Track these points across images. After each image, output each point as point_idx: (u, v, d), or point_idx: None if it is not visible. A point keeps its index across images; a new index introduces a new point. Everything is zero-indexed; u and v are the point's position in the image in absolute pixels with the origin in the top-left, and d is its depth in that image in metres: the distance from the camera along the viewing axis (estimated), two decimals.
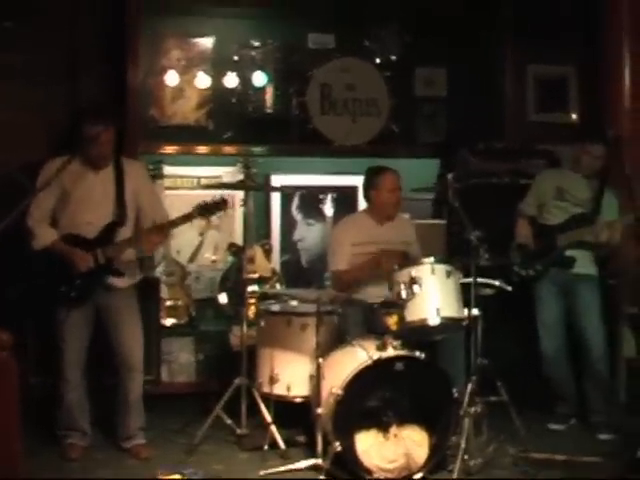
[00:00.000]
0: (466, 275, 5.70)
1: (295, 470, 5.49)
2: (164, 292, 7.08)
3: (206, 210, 5.80)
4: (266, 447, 5.78)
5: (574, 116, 8.26)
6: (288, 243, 7.79)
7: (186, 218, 5.83)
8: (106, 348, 5.83)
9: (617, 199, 6.32)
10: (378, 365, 5.40)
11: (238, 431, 6.00)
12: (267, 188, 7.45)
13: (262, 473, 5.46)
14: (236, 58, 7.60)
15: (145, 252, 6.03)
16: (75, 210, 5.73)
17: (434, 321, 5.56)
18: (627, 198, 6.12)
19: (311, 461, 5.50)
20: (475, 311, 5.62)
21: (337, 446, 5.31)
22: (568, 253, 6.34)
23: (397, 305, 5.60)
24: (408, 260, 6.09)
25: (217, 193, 6.00)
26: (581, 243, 6.30)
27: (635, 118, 6.87)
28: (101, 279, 5.71)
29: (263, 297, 6.51)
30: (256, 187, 6.72)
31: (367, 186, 6.50)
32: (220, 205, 5.85)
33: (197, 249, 7.64)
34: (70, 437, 5.81)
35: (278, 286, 7.05)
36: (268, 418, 5.84)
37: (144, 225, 5.85)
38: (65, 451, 5.76)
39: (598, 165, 6.36)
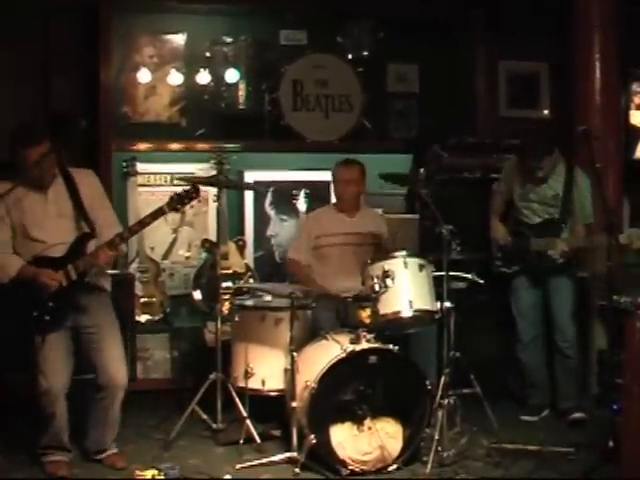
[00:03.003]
0: (439, 268, 5.74)
1: (271, 463, 5.51)
2: (138, 289, 7.08)
3: (179, 202, 5.45)
4: (242, 441, 5.79)
5: (545, 112, 8.35)
6: (261, 239, 7.81)
7: (157, 214, 5.44)
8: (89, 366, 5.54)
9: (589, 181, 6.36)
10: (352, 358, 5.43)
11: (214, 426, 6.03)
12: (240, 186, 7.48)
13: (238, 467, 5.48)
14: (208, 55, 7.60)
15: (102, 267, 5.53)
16: (35, 236, 5.37)
17: (407, 313, 5.61)
18: (597, 194, 6.16)
19: (286, 454, 5.52)
20: (448, 304, 5.66)
21: (312, 439, 5.34)
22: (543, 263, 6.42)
23: (370, 298, 5.64)
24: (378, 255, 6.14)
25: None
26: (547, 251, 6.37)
27: (605, 113, 6.92)
28: (75, 296, 5.39)
29: (237, 293, 6.52)
30: (230, 185, 6.73)
31: (332, 179, 6.62)
32: (191, 194, 5.49)
33: (171, 246, 7.65)
34: (54, 454, 5.47)
35: (252, 282, 7.07)
36: (243, 412, 5.85)
37: (98, 239, 5.45)
38: (51, 469, 5.42)
39: (552, 168, 6.41)
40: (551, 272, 6.40)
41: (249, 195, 7.71)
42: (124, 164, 7.25)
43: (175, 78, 7.65)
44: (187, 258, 7.67)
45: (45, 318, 5.31)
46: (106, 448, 5.63)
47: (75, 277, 5.33)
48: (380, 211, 7.02)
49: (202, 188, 7.11)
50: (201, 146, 7.53)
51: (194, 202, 5.60)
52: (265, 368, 5.94)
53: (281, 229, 7.82)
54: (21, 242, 5.41)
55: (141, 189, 7.34)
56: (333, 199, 6.75)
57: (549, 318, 6.51)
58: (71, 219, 5.46)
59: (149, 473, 5.14)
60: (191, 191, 5.49)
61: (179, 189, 5.53)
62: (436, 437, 5.48)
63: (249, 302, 6.27)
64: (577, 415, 6.33)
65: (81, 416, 5.62)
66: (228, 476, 5.26)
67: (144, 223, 5.48)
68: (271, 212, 7.82)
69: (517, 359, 6.63)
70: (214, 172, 6.82)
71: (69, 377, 5.44)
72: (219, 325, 6.10)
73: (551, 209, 6.43)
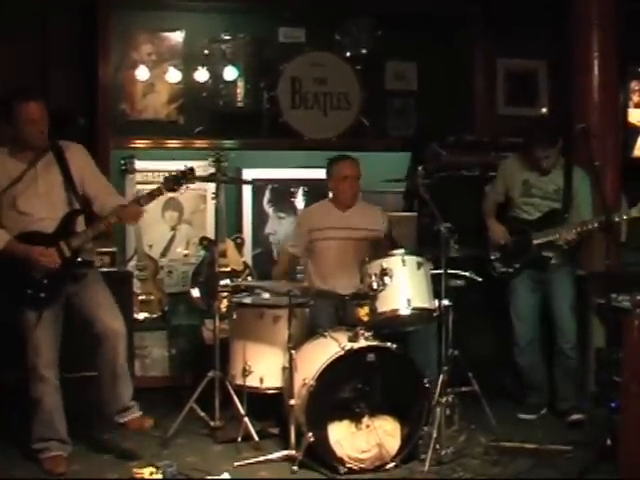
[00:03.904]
0: (437, 266, 5.74)
1: (269, 461, 5.51)
2: (136, 286, 7.06)
3: (175, 182, 5.49)
4: (240, 439, 5.78)
5: (543, 109, 8.35)
6: (260, 237, 7.83)
7: (154, 194, 5.48)
8: (83, 328, 5.50)
9: (588, 178, 6.38)
10: (350, 356, 5.43)
11: (212, 424, 6.02)
12: (238, 182, 7.47)
13: (236, 465, 5.46)
14: (206, 52, 7.59)
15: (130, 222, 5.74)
16: (22, 209, 5.35)
17: (405, 311, 5.60)
18: (596, 191, 6.16)
19: (284, 452, 5.52)
20: (446, 302, 5.66)
21: (310, 437, 5.34)
22: (544, 253, 6.42)
23: (368, 296, 5.63)
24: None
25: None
26: (552, 242, 6.36)
27: (604, 111, 6.92)
28: (70, 273, 5.39)
29: (235, 290, 6.52)
30: (227, 181, 6.73)
31: (327, 176, 6.59)
32: (187, 174, 5.53)
33: (169, 243, 7.66)
34: (50, 449, 5.41)
35: (250, 279, 7.07)
36: (241, 410, 5.84)
37: (97, 210, 5.49)
38: (49, 465, 5.37)
39: (551, 161, 6.41)
40: (551, 271, 6.40)
41: (247, 193, 7.72)
42: (122, 162, 7.24)
43: (173, 76, 7.65)
44: (185, 256, 7.68)
45: (40, 295, 5.32)
46: (127, 406, 5.57)
47: (69, 254, 5.34)
48: (379, 207, 7.01)
49: (201, 186, 7.23)
50: (199, 143, 7.53)
51: (189, 185, 5.67)
52: (263, 366, 5.93)
53: (279, 227, 7.83)
54: (7, 214, 5.39)
55: (139, 187, 7.32)
56: (330, 195, 6.73)
57: (549, 319, 6.50)
58: (60, 194, 5.46)
59: (147, 470, 5.12)
60: (187, 172, 5.53)
61: (174, 170, 5.58)
62: (434, 435, 5.48)
63: (247, 300, 6.28)
64: (576, 417, 6.32)
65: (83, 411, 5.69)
66: (226, 474, 5.25)
67: (145, 198, 5.50)
68: (269, 210, 7.83)
69: (515, 363, 6.63)
70: (212, 169, 6.81)
71: (57, 355, 5.45)
72: (217, 323, 6.10)
73: (554, 203, 6.43)
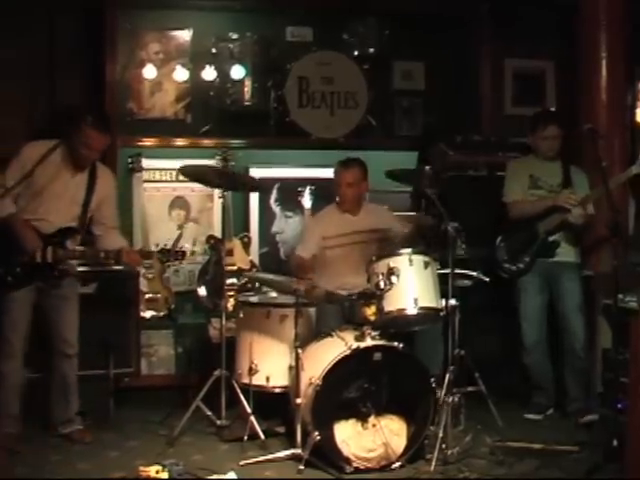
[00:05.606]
0: (444, 266, 5.74)
1: (275, 460, 5.51)
2: (143, 285, 7.05)
3: (168, 255, 5.94)
4: (246, 438, 5.79)
5: (551, 110, 8.33)
6: (266, 235, 7.81)
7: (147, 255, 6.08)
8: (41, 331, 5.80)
9: (585, 175, 6.47)
10: (357, 355, 5.44)
11: (218, 422, 6.03)
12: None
13: (242, 463, 5.47)
14: (214, 51, 7.58)
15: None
16: (42, 205, 5.70)
17: (412, 311, 5.60)
18: (603, 192, 6.16)
19: (290, 451, 5.52)
20: (453, 301, 5.66)
21: (316, 436, 5.34)
22: (551, 238, 6.45)
23: (375, 296, 5.64)
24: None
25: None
26: (560, 226, 6.38)
27: (611, 111, 6.91)
28: (41, 275, 5.68)
29: (242, 289, 6.52)
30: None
31: (334, 179, 6.61)
32: (179, 255, 5.98)
33: (176, 242, 7.63)
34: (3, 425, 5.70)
35: None
36: (247, 409, 5.85)
37: (98, 233, 5.92)
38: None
39: (557, 145, 6.52)
40: (559, 268, 6.41)
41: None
42: (129, 160, 7.24)
43: (181, 74, 7.64)
44: (192, 254, 7.66)
45: (8, 279, 5.59)
46: (72, 419, 5.89)
47: (50, 260, 5.63)
48: (385, 207, 7.00)
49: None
50: (206, 142, 7.54)
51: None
52: (269, 365, 5.94)
53: (286, 226, 7.82)
54: (29, 198, 5.67)
55: (146, 185, 7.34)
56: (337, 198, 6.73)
57: (558, 319, 6.50)
58: (78, 208, 5.78)
59: (153, 469, 5.12)
60: (180, 254, 5.98)
61: (169, 246, 6.00)
62: (440, 435, 5.48)
63: (254, 298, 6.29)
64: (589, 417, 6.28)
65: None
66: (232, 473, 5.25)
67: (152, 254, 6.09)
68: (276, 209, 7.82)
69: (522, 363, 6.62)
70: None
71: (27, 336, 5.71)
72: (224, 321, 6.10)
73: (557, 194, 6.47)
